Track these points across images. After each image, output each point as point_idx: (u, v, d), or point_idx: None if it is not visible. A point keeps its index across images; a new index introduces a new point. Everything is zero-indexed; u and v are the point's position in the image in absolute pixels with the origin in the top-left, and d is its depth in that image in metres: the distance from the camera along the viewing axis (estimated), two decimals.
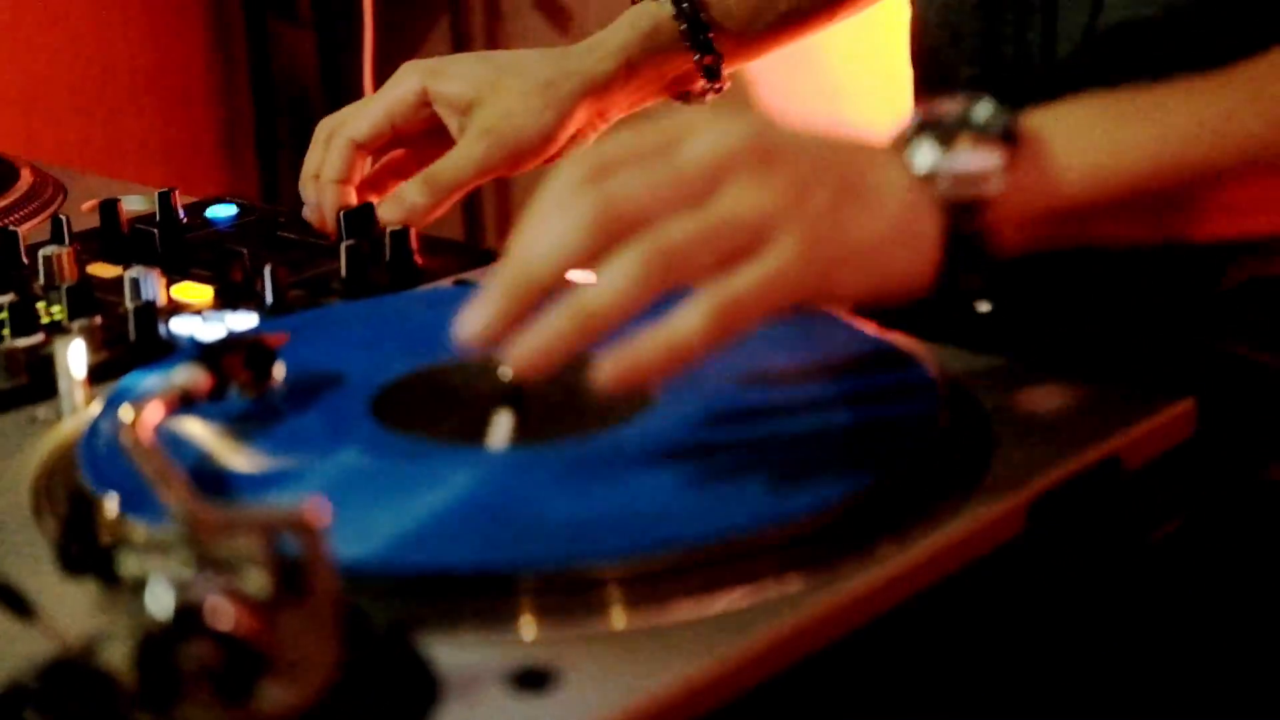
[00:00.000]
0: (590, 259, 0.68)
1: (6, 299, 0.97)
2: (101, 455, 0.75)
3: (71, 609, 0.62)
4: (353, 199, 1.11)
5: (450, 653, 0.61)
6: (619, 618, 0.64)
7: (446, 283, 1.02)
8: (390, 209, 1.09)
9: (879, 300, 0.75)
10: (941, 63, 1.09)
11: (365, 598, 0.62)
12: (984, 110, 0.75)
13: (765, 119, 0.74)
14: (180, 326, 0.95)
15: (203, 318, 0.96)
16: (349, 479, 0.73)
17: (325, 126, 1.13)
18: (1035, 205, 0.77)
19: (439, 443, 0.76)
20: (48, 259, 1.03)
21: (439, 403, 0.81)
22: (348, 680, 0.58)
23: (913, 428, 0.77)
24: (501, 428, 0.77)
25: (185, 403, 0.76)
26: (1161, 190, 0.79)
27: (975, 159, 0.74)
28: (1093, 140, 0.78)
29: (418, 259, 1.04)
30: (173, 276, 1.03)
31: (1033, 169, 0.76)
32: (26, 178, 1.24)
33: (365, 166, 1.13)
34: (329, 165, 1.10)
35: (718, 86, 1.17)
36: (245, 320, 0.96)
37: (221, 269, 1.03)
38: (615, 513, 0.69)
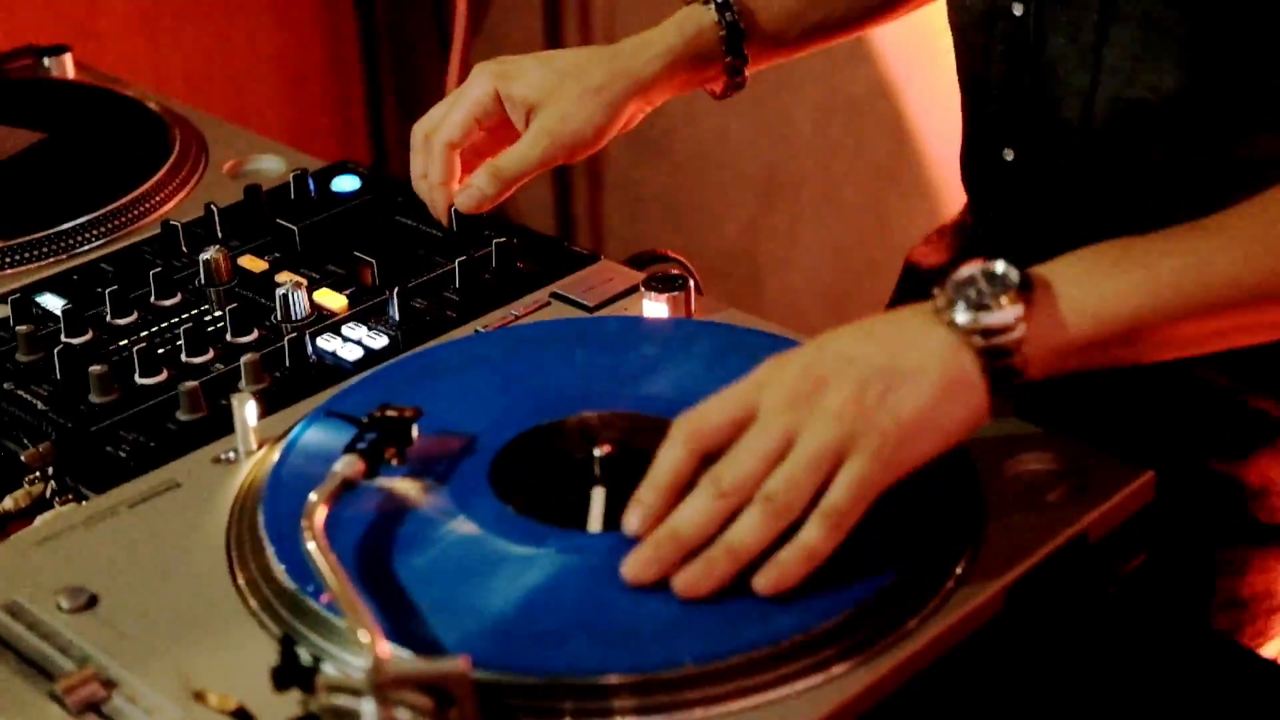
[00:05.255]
0: (721, 521, 0.89)
1: (180, 313, 1.18)
2: (285, 536, 0.95)
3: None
4: (454, 192, 1.28)
5: None
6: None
7: (544, 294, 1.21)
8: (465, 199, 1.27)
9: (953, 446, 0.93)
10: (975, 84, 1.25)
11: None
12: (1001, 267, 0.93)
13: (807, 348, 0.93)
14: (325, 345, 1.16)
15: (342, 337, 1.17)
16: (464, 568, 0.92)
17: (420, 131, 1.29)
18: (1053, 343, 0.95)
19: (543, 525, 0.95)
20: (207, 263, 1.23)
21: (549, 471, 1.00)
22: None
23: (928, 521, 0.94)
24: (596, 511, 0.96)
25: (346, 489, 0.96)
26: (1158, 324, 0.97)
27: (1001, 312, 0.93)
28: (1094, 287, 0.96)
29: (520, 265, 1.24)
30: (311, 276, 1.23)
31: (1046, 314, 0.94)
32: (176, 140, 1.42)
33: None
34: (433, 169, 1.27)
35: (739, 82, 1.32)
36: (378, 340, 1.16)
37: (353, 273, 1.23)
38: (686, 619, 0.88)
